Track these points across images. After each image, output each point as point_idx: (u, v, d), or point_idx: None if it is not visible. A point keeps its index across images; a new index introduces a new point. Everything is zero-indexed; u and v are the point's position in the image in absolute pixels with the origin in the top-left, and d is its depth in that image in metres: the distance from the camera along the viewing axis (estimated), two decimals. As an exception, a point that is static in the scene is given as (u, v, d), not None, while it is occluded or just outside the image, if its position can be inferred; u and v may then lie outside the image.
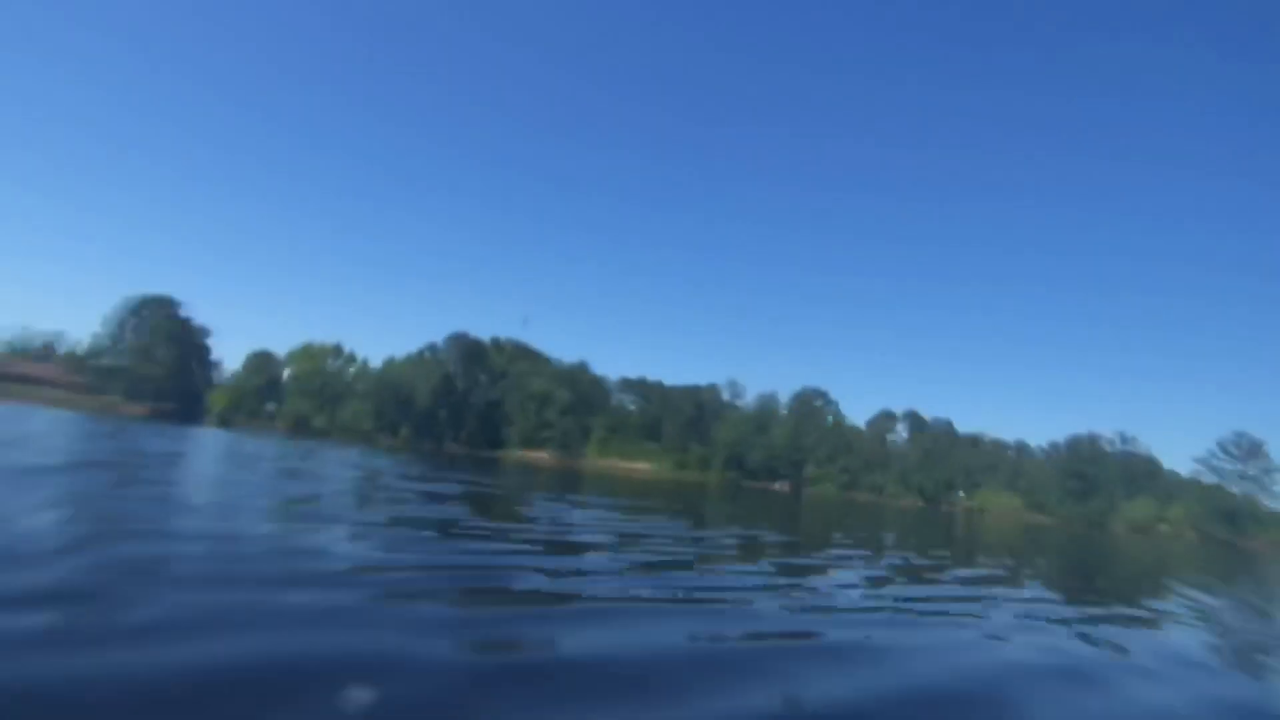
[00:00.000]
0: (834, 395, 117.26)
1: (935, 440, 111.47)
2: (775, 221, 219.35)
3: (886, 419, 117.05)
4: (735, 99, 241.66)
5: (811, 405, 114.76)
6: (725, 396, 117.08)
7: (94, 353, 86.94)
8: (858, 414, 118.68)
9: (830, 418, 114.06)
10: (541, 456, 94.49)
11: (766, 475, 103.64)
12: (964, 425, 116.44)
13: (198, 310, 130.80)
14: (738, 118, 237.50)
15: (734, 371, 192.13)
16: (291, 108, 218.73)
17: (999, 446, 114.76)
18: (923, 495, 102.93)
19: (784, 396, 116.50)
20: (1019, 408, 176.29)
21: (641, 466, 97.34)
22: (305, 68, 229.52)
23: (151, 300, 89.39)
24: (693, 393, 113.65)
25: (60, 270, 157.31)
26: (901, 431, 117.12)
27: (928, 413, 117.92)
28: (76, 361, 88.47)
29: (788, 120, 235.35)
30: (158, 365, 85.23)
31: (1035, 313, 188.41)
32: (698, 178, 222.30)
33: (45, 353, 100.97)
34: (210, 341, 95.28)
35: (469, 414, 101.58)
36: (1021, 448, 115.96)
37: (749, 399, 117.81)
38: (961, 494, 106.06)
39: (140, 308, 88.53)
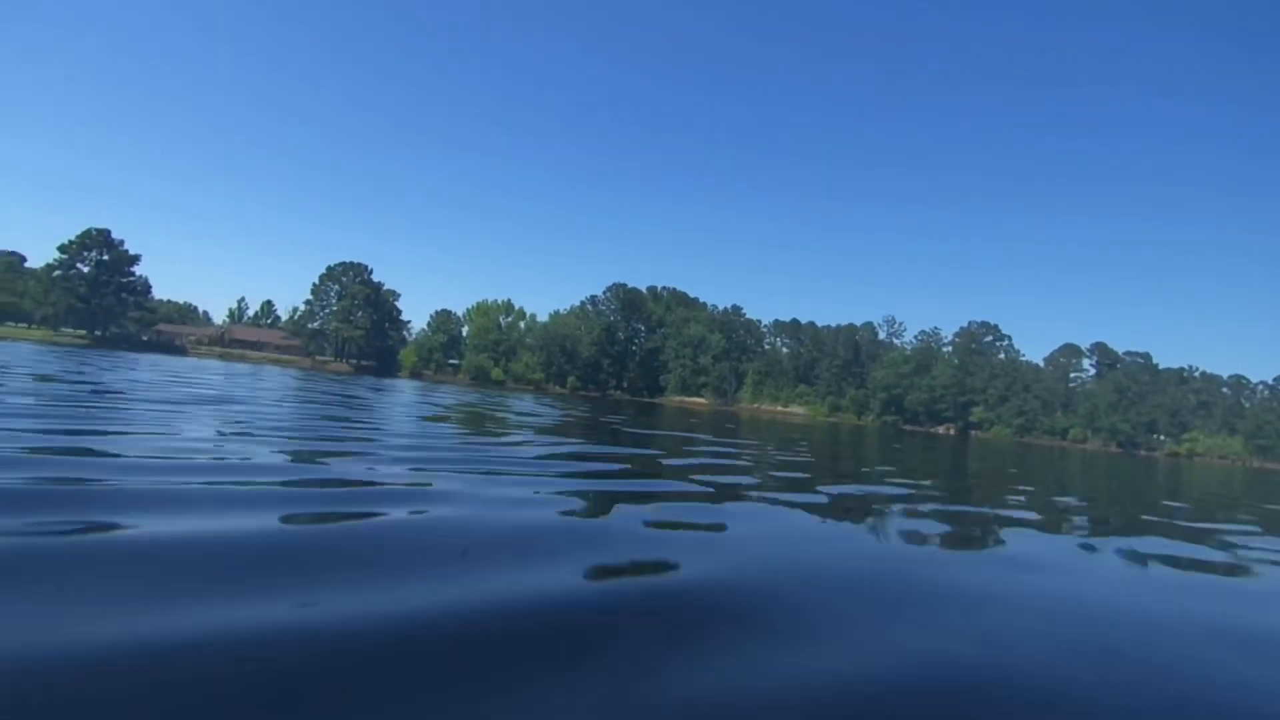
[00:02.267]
0: (1005, 329, 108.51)
1: (1131, 377, 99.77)
2: (935, 163, 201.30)
3: (1069, 354, 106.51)
4: (890, 40, 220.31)
5: (979, 341, 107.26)
6: (882, 335, 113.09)
7: (305, 317, 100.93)
8: (1034, 350, 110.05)
9: (1002, 354, 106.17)
10: (698, 401, 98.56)
11: (929, 419, 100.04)
12: (1165, 359, 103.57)
13: (386, 273, 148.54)
14: (899, 60, 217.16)
15: (892, 309, 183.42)
16: (454, 85, 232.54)
17: (1212, 382, 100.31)
18: (1115, 439, 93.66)
19: (948, 332, 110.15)
20: (1234, 339, 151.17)
21: (796, 410, 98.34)
22: (470, 48, 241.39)
23: (348, 267, 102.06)
24: (847, 332, 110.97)
25: (268, 241, 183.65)
26: (1088, 368, 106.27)
27: (1119, 345, 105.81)
28: (292, 325, 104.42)
29: (948, 62, 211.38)
30: (357, 327, 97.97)
31: (1252, 220, 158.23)
32: (850, 121, 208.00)
33: (263, 318, 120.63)
34: (399, 303, 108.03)
35: (630, 362, 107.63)
36: (1240, 383, 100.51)
37: (908, 337, 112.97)
38: (1163, 438, 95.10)
39: (339, 274, 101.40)
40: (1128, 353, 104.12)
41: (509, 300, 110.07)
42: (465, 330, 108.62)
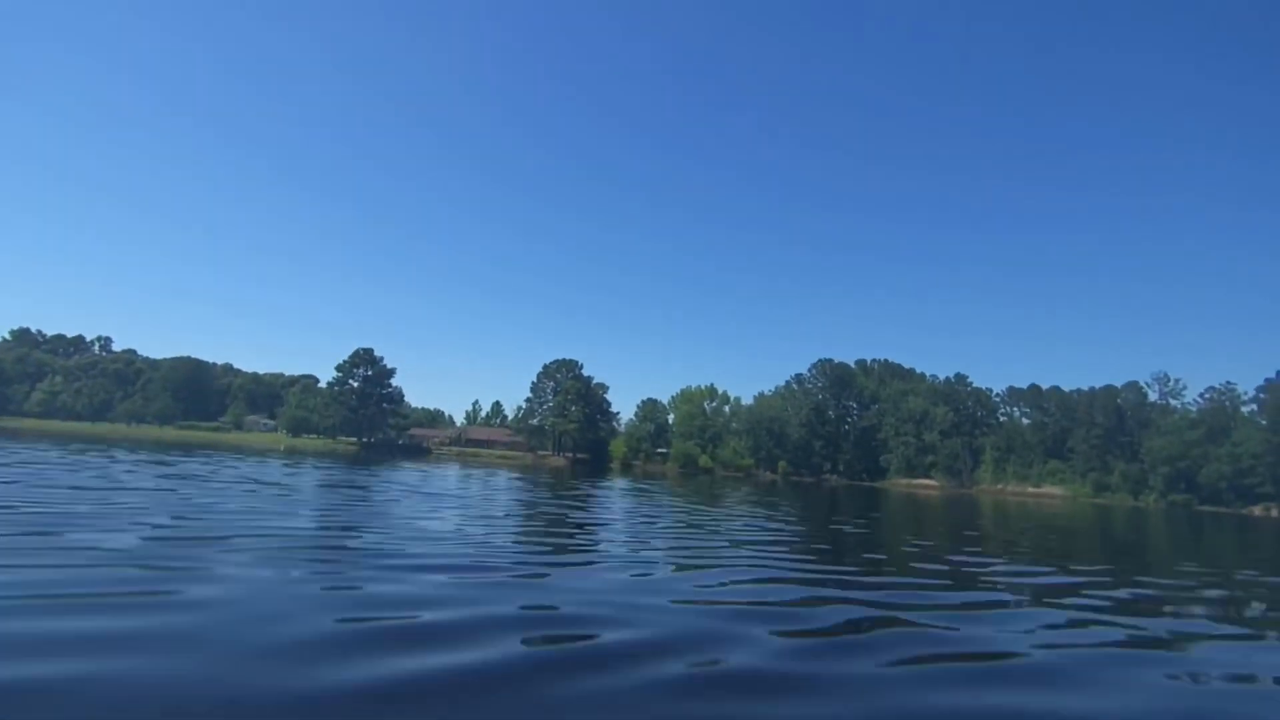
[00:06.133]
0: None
1: None
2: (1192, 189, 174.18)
3: None
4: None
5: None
6: (1153, 396, 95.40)
7: (526, 414, 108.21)
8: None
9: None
10: (928, 485, 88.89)
11: (1236, 497, 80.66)
12: None
13: (595, 368, 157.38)
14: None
15: (1161, 365, 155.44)
16: (645, 175, 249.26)
17: None
18: None
19: (1247, 389, 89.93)
20: None
21: (1051, 491, 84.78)
22: (665, 139, 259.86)
23: (561, 364, 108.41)
24: (1105, 396, 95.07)
25: (492, 343, 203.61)
26: None
27: None
28: (515, 424, 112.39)
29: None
30: (571, 421, 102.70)
31: None
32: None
33: (493, 418, 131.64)
34: (608, 395, 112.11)
35: (844, 442, 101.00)
36: None
37: (1189, 397, 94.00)
38: None
39: (554, 371, 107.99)
40: None
41: (712, 385, 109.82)
42: (671, 418, 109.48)
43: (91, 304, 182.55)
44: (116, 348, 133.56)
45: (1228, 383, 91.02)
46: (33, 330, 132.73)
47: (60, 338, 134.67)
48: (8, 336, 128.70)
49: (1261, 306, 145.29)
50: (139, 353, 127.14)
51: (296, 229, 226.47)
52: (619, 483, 38.53)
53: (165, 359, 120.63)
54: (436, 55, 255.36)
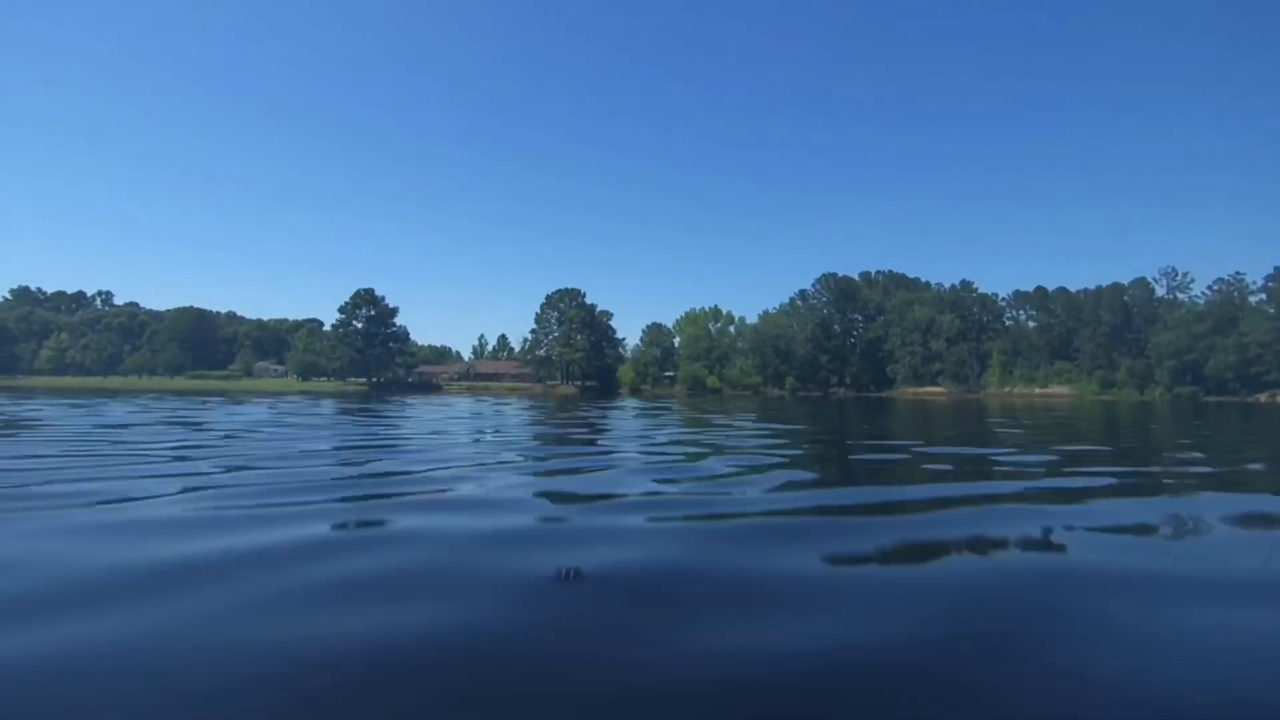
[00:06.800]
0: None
1: None
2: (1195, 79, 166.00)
3: None
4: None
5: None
6: (1160, 292, 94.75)
7: (532, 345, 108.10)
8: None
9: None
10: (935, 391, 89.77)
11: (1242, 386, 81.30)
12: None
13: (598, 295, 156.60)
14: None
15: (1168, 259, 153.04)
16: (640, 95, 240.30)
17: None
18: None
19: (1256, 278, 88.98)
20: None
21: (1058, 391, 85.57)
22: (662, 60, 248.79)
23: (564, 293, 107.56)
24: (1112, 293, 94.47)
25: (494, 276, 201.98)
26: None
27: None
28: (522, 356, 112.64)
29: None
30: (577, 349, 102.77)
31: None
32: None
33: (500, 351, 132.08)
34: (613, 322, 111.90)
35: (851, 355, 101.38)
36: None
37: (1197, 290, 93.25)
38: None
39: (557, 301, 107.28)
40: None
41: (716, 306, 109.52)
42: (677, 341, 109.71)
43: (89, 258, 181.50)
44: (118, 301, 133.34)
45: (1236, 273, 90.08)
46: (32, 288, 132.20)
47: (61, 294, 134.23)
48: (8, 296, 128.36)
49: (1271, 194, 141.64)
50: (141, 305, 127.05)
51: (289, 170, 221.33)
52: (630, 403, 38.96)
53: (168, 310, 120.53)
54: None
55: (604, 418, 20.44)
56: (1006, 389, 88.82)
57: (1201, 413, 32.05)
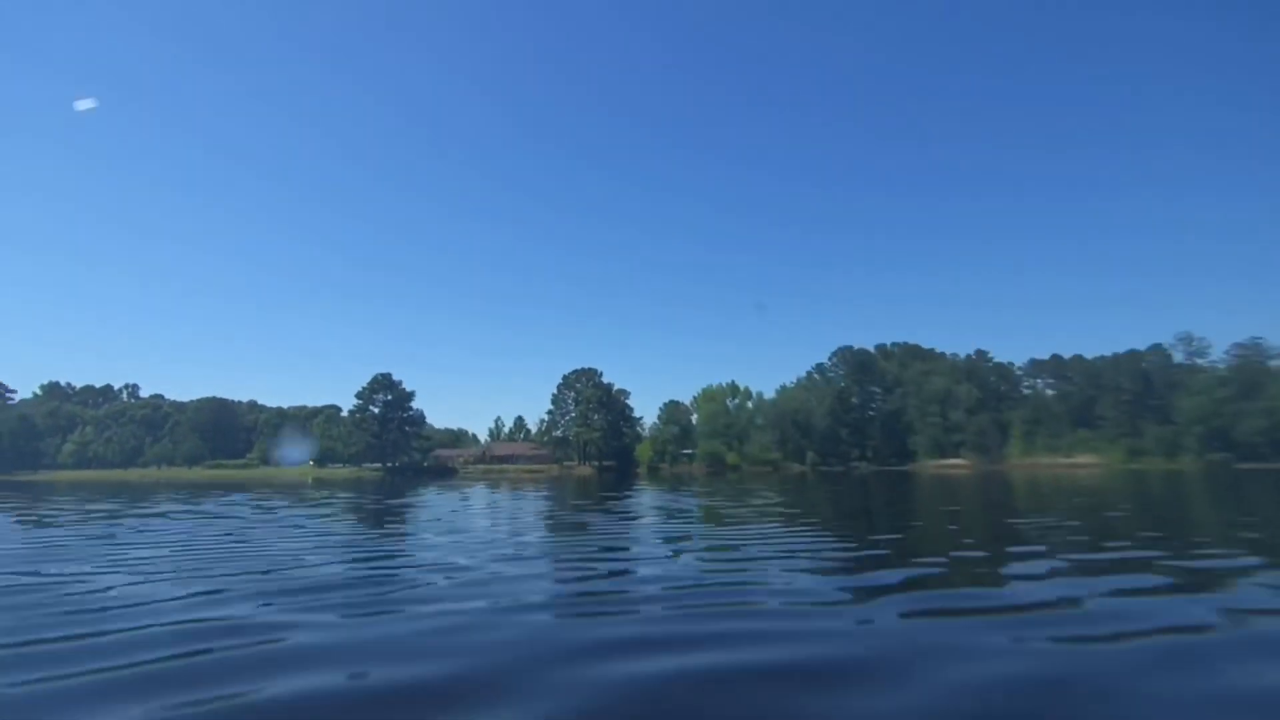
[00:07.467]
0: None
1: None
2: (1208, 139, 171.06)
3: None
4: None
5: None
6: (1179, 358, 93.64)
7: (549, 426, 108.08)
8: None
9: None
10: (958, 465, 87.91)
11: (1272, 452, 78.85)
12: None
13: (614, 374, 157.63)
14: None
15: (1184, 325, 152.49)
16: (655, 173, 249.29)
17: None
18: None
19: (1275, 341, 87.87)
20: None
21: (1084, 461, 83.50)
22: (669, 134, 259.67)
23: (580, 373, 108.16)
24: (1130, 361, 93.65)
25: (511, 357, 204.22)
26: None
27: None
28: (539, 437, 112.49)
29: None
30: (594, 429, 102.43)
31: None
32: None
33: (516, 433, 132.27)
34: (630, 401, 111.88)
35: (870, 428, 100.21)
36: None
37: (1215, 355, 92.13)
38: None
39: (574, 381, 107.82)
40: None
41: (734, 382, 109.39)
42: (695, 418, 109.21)
43: (118, 352, 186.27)
44: (144, 394, 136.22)
45: (1254, 337, 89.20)
46: (62, 384, 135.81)
47: (89, 389, 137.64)
48: (38, 391, 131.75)
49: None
50: (166, 396, 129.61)
51: (308, 260, 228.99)
52: (647, 494, 37.63)
53: (191, 401, 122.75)
54: (432, 57, 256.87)
55: (619, 522, 19.99)
56: (1029, 460, 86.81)
57: (1240, 483, 31.03)
